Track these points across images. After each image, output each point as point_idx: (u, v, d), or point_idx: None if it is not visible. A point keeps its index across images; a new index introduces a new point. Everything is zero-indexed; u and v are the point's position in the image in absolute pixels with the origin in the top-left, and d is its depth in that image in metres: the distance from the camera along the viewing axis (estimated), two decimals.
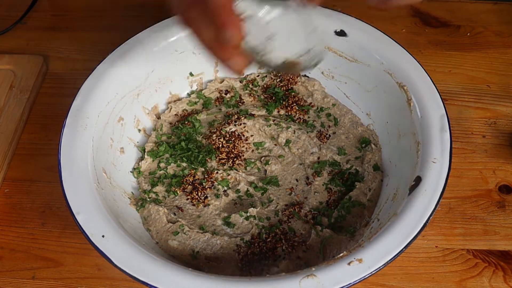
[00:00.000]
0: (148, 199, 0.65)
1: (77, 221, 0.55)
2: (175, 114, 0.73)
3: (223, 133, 0.70)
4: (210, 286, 0.51)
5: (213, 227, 0.63)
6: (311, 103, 0.74)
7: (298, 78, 0.75)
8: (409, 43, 0.78)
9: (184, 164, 0.68)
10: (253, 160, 0.69)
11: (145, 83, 0.70)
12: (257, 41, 0.51)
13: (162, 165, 0.68)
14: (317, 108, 0.73)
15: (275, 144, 0.70)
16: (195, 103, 0.74)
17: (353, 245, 0.58)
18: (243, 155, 0.69)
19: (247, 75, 0.77)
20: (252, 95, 0.75)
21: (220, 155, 0.68)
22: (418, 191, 0.56)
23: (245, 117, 0.71)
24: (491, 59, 0.80)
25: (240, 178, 0.67)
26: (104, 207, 0.57)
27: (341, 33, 0.70)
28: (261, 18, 0.51)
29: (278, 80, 0.75)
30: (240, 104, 0.74)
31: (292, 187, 0.67)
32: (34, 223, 0.66)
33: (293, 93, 0.74)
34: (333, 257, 0.56)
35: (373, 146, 0.69)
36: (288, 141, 0.69)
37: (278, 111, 0.73)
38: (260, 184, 0.67)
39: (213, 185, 0.67)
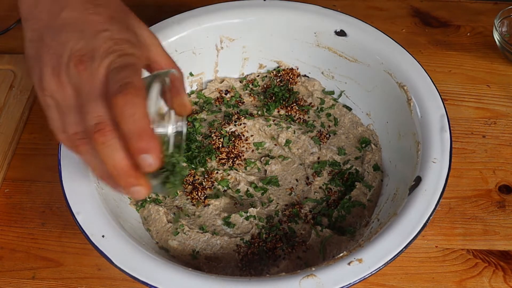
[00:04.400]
0: (148, 199, 0.65)
1: (77, 221, 0.55)
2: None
3: (223, 133, 0.70)
4: (210, 286, 0.51)
5: (213, 227, 0.63)
6: (311, 103, 0.74)
7: (298, 78, 0.75)
8: (409, 43, 0.78)
9: (184, 164, 0.68)
10: (253, 160, 0.68)
11: None
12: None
13: None
14: (317, 108, 0.73)
15: (275, 144, 0.70)
16: (195, 103, 0.74)
17: (353, 245, 0.58)
18: (243, 155, 0.69)
19: (247, 75, 0.77)
20: (252, 95, 0.75)
21: (220, 155, 0.68)
22: (418, 191, 0.56)
23: (245, 117, 0.71)
24: (491, 59, 0.80)
25: (240, 178, 0.67)
26: (104, 207, 0.57)
27: (341, 33, 0.70)
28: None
29: (278, 80, 0.75)
30: (240, 104, 0.74)
31: (292, 187, 0.67)
32: (34, 223, 0.66)
33: (293, 93, 0.74)
34: (333, 257, 0.56)
35: (373, 146, 0.69)
36: (288, 141, 0.69)
37: (278, 111, 0.73)
38: (260, 184, 0.67)
39: (213, 185, 0.67)
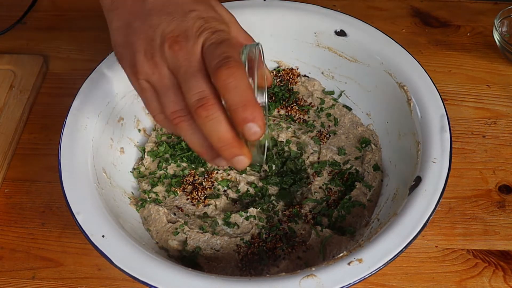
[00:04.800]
0: (148, 199, 0.65)
1: (77, 221, 0.55)
2: None
3: None
4: (210, 286, 0.51)
5: (213, 227, 0.63)
6: (311, 103, 0.74)
7: (298, 78, 0.75)
8: (409, 43, 0.78)
9: (184, 164, 0.68)
10: None
11: None
12: None
13: (162, 165, 0.68)
14: (317, 108, 0.73)
15: (275, 144, 0.70)
16: None
17: (353, 245, 0.58)
18: None
19: None
20: None
21: None
22: (418, 191, 0.56)
23: None
24: (491, 59, 0.80)
25: (240, 178, 0.67)
26: (104, 207, 0.57)
27: (341, 33, 0.70)
28: None
29: (278, 80, 0.75)
30: None
31: (292, 187, 0.67)
32: (34, 223, 0.67)
33: (293, 93, 0.74)
34: (333, 257, 0.56)
35: (373, 146, 0.69)
36: (288, 141, 0.69)
37: (278, 111, 0.73)
38: (260, 184, 0.67)
39: (213, 185, 0.67)
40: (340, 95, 0.74)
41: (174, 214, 0.64)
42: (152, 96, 0.49)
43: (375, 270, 0.51)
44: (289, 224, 0.63)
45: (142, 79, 0.48)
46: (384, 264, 0.51)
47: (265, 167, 0.68)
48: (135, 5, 0.50)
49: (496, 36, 0.78)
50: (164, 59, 0.47)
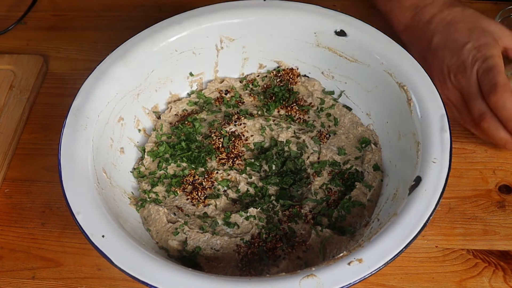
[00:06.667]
0: (148, 199, 0.65)
1: (77, 221, 0.55)
2: (175, 114, 0.73)
3: (223, 133, 0.70)
4: (210, 286, 0.51)
5: (213, 227, 0.63)
6: (311, 103, 0.74)
7: (298, 78, 0.75)
8: None
9: (184, 164, 0.68)
10: (253, 160, 0.68)
11: (145, 83, 0.70)
12: None
13: (162, 165, 0.68)
14: (317, 108, 0.73)
15: (275, 144, 0.70)
16: (195, 103, 0.75)
17: (353, 245, 0.58)
18: (243, 155, 0.69)
19: (247, 75, 0.77)
20: (252, 95, 0.75)
21: (220, 155, 0.68)
22: (418, 191, 0.56)
23: (245, 117, 0.71)
24: None
25: (240, 178, 0.67)
26: (104, 207, 0.57)
27: (341, 33, 0.70)
28: None
29: (278, 80, 0.75)
30: (240, 104, 0.74)
31: (292, 187, 0.67)
32: (34, 223, 0.67)
33: (293, 93, 0.74)
34: (333, 257, 0.56)
35: (373, 146, 0.69)
36: (288, 141, 0.69)
37: (278, 111, 0.73)
38: (260, 184, 0.67)
39: (213, 185, 0.67)
40: (340, 95, 0.74)
41: (174, 214, 0.64)
42: (453, 109, 0.68)
43: (375, 270, 0.51)
44: (289, 224, 0.63)
45: (444, 98, 0.65)
46: (384, 264, 0.51)
47: (265, 167, 0.68)
48: (425, 45, 0.70)
49: None
50: (453, 85, 0.66)
